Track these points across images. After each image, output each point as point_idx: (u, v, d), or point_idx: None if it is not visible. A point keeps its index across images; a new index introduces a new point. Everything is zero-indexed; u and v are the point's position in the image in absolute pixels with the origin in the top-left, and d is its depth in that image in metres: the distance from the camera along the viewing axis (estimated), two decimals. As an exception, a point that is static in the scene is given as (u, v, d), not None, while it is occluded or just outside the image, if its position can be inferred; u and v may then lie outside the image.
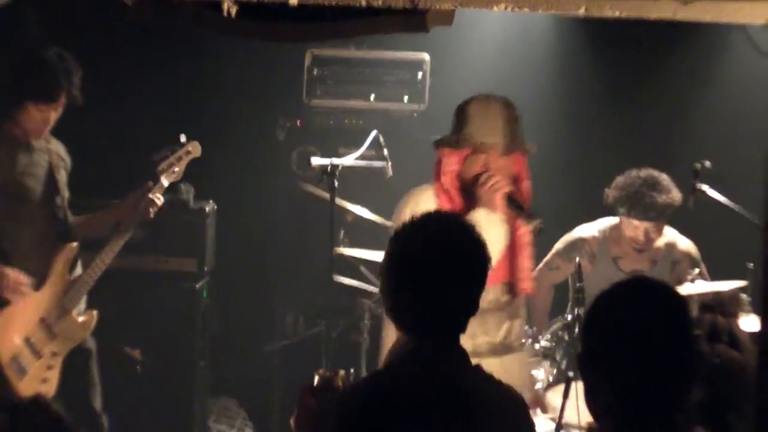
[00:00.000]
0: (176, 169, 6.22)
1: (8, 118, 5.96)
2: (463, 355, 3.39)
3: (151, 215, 6.13)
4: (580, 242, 6.62)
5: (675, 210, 6.27)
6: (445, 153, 5.27)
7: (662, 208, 6.23)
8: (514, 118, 5.22)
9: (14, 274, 5.84)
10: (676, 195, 6.26)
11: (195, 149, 6.32)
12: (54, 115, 5.96)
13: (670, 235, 6.51)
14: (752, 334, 3.82)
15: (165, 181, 6.18)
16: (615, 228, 6.56)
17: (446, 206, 5.16)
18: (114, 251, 6.08)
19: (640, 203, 6.23)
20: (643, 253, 6.43)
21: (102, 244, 6.10)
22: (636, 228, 6.35)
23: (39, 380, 5.91)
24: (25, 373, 5.85)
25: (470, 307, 3.39)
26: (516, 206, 5.13)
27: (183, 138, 6.28)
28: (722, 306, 3.85)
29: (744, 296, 5.73)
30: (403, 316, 3.37)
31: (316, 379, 3.51)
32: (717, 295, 3.96)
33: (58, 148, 6.19)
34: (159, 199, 6.13)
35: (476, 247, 3.38)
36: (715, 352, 3.71)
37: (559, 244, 6.76)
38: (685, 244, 6.53)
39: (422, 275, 3.30)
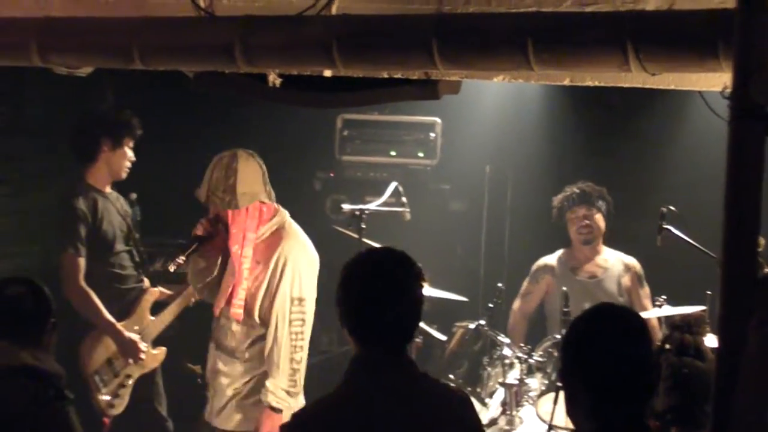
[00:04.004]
0: None
1: (90, 163, 5.94)
2: (410, 362, 3.27)
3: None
4: (543, 266, 6.89)
5: (600, 198, 6.70)
6: None
7: (583, 191, 6.69)
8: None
9: (135, 341, 5.86)
10: (594, 188, 6.74)
11: None
12: (131, 155, 6.00)
13: (617, 253, 6.81)
14: (714, 349, 3.79)
15: None
16: (568, 251, 6.87)
17: None
18: (183, 305, 6.17)
19: (568, 197, 6.73)
20: (590, 246, 6.75)
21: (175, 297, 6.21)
22: (575, 215, 6.71)
23: (113, 394, 5.91)
24: (105, 386, 5.84)
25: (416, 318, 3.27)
26: None
27: None
28: (689, 326, 3.83)
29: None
30: (357, 330, 3.25)
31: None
32: (684, 317, 3.93)
33: (118, 196, 6.18)
34: None
35: (409, 272, 3.28)
36: (683, 364, 3.68)
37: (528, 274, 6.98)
38: (630, 259, 6.80)
39: (370, 294, 3.22)
